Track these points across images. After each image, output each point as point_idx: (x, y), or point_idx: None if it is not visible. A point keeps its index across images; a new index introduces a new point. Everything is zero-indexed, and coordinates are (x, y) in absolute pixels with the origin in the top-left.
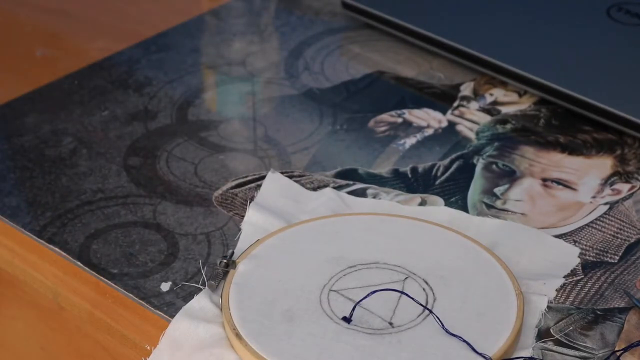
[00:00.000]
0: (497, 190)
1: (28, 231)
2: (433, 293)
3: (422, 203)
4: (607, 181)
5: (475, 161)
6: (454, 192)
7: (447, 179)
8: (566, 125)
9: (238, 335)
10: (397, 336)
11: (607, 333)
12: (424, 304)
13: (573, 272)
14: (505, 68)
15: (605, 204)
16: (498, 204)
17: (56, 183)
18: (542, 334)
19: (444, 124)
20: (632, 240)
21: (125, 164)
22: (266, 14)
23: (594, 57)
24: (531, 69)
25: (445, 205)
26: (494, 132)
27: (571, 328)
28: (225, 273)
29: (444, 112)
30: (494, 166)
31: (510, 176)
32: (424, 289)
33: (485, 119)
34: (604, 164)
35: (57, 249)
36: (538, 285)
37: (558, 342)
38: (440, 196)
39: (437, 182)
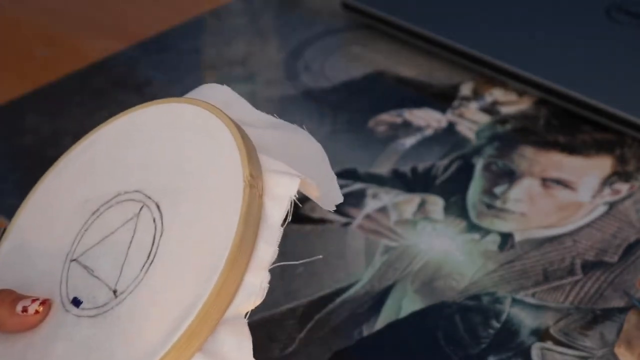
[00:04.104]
0: (497, 190)
1: None
2: (162, 223)
3: (422, 203)
4: (607, 181)
5: (475, 161)
6: (454, 192)
7: (447, 179)
8: (566, 125)
9: None
10: (117, 311)
11: (607, 333)
12: (150, 244)
13: (572, 272)
14: (505, 68)
15: (605, 203)
16: (498, 203)
17: None
18: (542, 334)
19: (444, 124)
20: (632, 240)
21: None
22: (266, 14)
23: (594, 57)
24: (531, 69)
25: (445, 205)
26: (494, 132)
27: (571, 328)
28: None
29: (444, 112)
30: (493, 166)
31: (510, 176)
32: (154, 220)
33: (485, 119)
34: (603, 164)
35: None
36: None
37: (557, 342)
38: (440, 196)
39: (437, 182)
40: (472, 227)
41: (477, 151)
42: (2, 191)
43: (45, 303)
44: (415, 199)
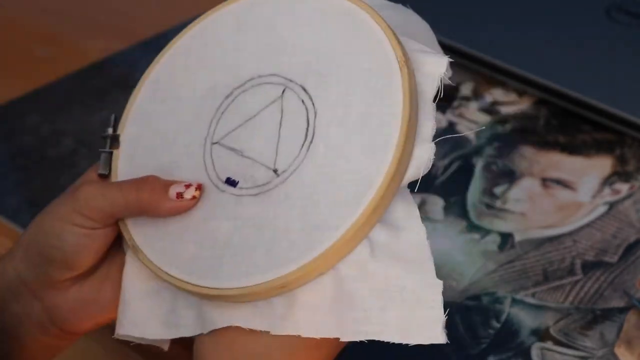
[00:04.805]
0: (497, 190)
1: None
2: (313, 104)
3: (422, 203)
4: (607, 181)
5: (475, 161)
6: (454, 192)
7: (447, 179)
8: (566, 125)
9: (135, 248)
10: (283, 188)
11: (607, 333)
12: (305, 124)
13: (572, 272)
14: (505, 68)
15: (605, 203)
16: (498, 203)
17: (56, 183)
18: (542, 334)
19: (444, 124)
20: (632, 240)
21: None
22: None
23: (594, 57)
24: (531, 69)
25: (445, 205)
26: (494, 132)
27: (571, 328)
28: (111, 155)
29: (444, 112)
30: (493, 166)
31: (510, 176)
32: (302, 101)
33: (485, 119)
34: (603, 164)
35: None
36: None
37: (557, 342)
38: (441, 196)
39: (437, 182)
40: (472, 227)
41: (477, 151)
42: (2, 191)
43: (200, 187)
44: (415, 198)
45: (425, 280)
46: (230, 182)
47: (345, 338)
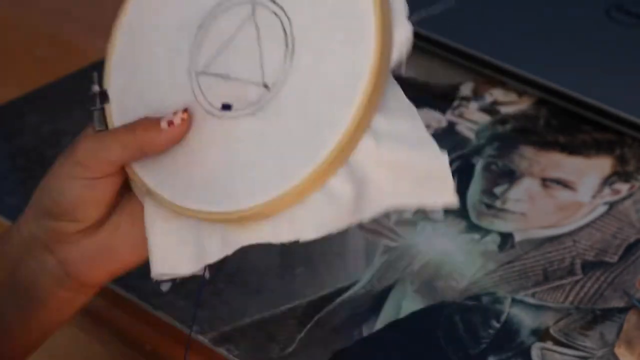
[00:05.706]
0: (497, 190)
1: None
2: (285, 13)
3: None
4: (607, 181)
5: (475, 161)
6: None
7: None
8: (566, 125)
9: (149, 192)
10: (277, 101)
11: (607, 333)
12: (282, 34)
13: (572, 272)
14: (505, 68)
15: (605, 203)
16: (498, 204)
17: None
18: (542, 334)
19: (444, 124)
20: (632, 240)
21: None
22: None
23: (594, 57)
24: (531, 69)
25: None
26: (494, 132)
27: (571, 328)
28: (103, 110)
29: (443, 112)
30: (493, 166)
31: (510, 176)
32: (275, 13)
33: (485, 119)
34: (603, 164)
35: None
36: None
37: (557, 342)
38: None
39: None
40: (472, 227)
41: (477, 151)
42: (2, 191)
43: (186, 111)
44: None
45: (431, 155)
46: (225, 106)
47: (366, 216)
